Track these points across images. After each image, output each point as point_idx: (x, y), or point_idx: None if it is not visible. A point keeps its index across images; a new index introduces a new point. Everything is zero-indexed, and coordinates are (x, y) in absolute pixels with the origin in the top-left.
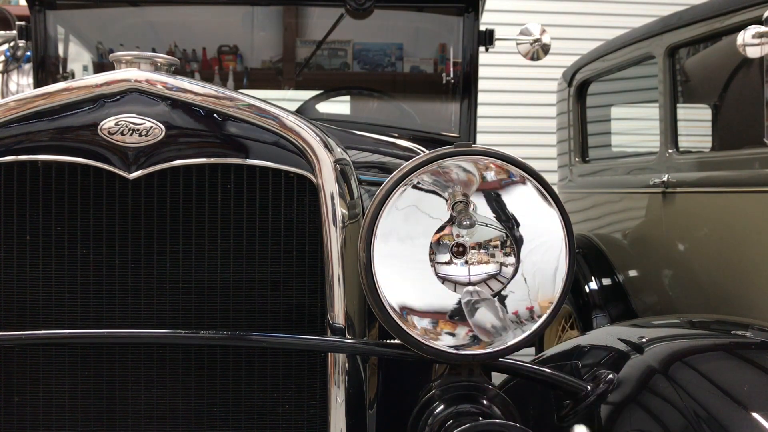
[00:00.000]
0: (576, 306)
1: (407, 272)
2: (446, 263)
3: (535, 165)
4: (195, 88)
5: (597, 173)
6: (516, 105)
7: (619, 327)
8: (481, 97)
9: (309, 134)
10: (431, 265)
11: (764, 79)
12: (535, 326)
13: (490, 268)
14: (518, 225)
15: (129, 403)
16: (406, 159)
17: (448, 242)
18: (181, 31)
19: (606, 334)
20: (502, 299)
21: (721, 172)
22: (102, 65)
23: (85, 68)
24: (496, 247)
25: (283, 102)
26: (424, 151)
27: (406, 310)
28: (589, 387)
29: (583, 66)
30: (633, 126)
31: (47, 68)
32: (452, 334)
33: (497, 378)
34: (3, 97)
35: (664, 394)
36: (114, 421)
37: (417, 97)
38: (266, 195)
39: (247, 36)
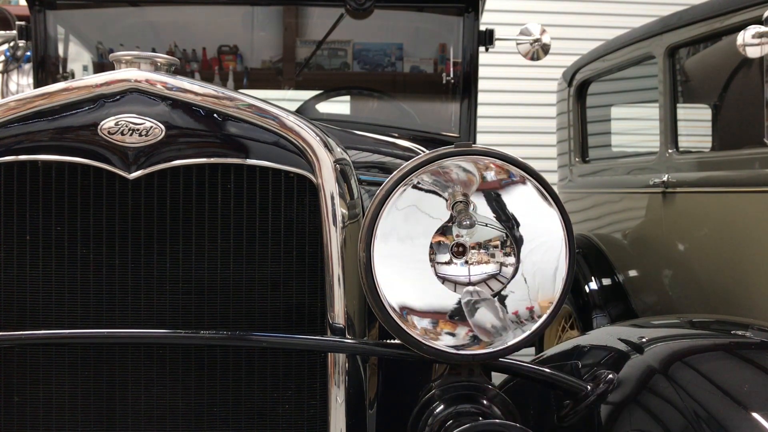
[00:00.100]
0: (576, 306)
1: (407, 272)
2: (446, 263)
3: (535, 165)
4: (195, 88)
5: (597, 173)
6: (516, 105)
7: (619, 327)
8: (481, 97)
9: (309, 134)
10: (431, 265)
11: (764, 79)
12: (535, 326)
13: (490, 268)
14: (518, 225)
15: (129, 403)
16: (406, 159)
17: (448, 242)
18: (181, 31)
19: (606, 334)
20: (502, 299)
21: (721, 172)
22: (102, 65)
23: (85, 68)
24: (496, 247)
25: (283, 102)
26: (424, 151)
27: (406, 310)
28: (589, 387)
29: (583, 66)
30: (633, 126)
31: (47, 68)
32: (452, 334)
33: (497, 378)
34: (3, 97)
35: (664, 394)
36: (114, 421)
37: (417, 97)
38: (266, 195)
39: (247, 36)
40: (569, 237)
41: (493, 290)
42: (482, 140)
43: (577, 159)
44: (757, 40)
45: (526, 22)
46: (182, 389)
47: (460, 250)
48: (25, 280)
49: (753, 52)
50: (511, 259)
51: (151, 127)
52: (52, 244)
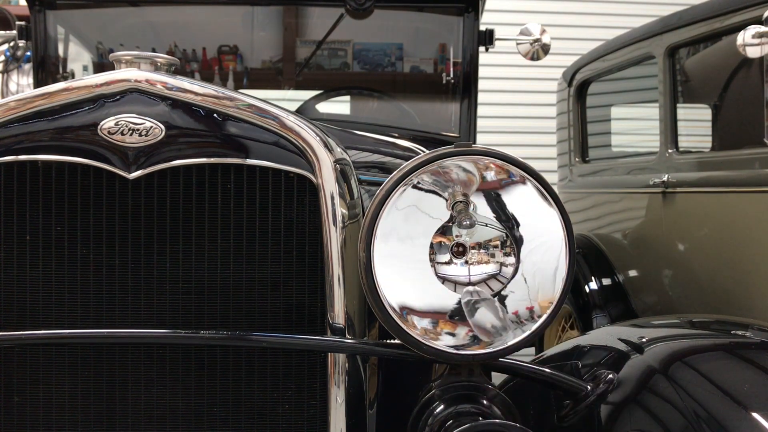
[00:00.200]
0: (576, 306)
1: (407, 272)
2: (446, 263)
3: (535, 165)
4: (195, 88)
5: (597, 173)
6: (516, 105)
7: (619, 327)
8: (481, 97)
9: (309, 134)
10: (431, 265)
11: (764, 79)
12: (535, 326)
13: (490, 268)
14: (518, 225)
15: (129, 403)
16: (406, 159)
17: (448, 242)
18: (181, 31)
19: (606, 334)
20: (502, 299)
21: (721, 172)
22: (102, 65)
23: (85, 68)
24: (496, 247)
25: (283, 102)
26: (424, 151)
27: (406, 310)
28: (589, 387)
29: (583, 66)
30: (633, 126)
31: (47, 68)
32: (452, 334)
33: (497, 378)
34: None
35: (664, 394)
36: (114, 421)
37: (417, 97)
38: (266, 195)
39: (247, 36)
40: (569, 237)
41: (493, 290)
42: (482, 140)
43: (577, 159)
44: (757, 40)
45: (526, 22)
46: (182, 389)
47: (460, 250)
48: (25, 280)
49: (753, 52)
50: (511, 259)
51: (151, 127)
52: (52, 244)
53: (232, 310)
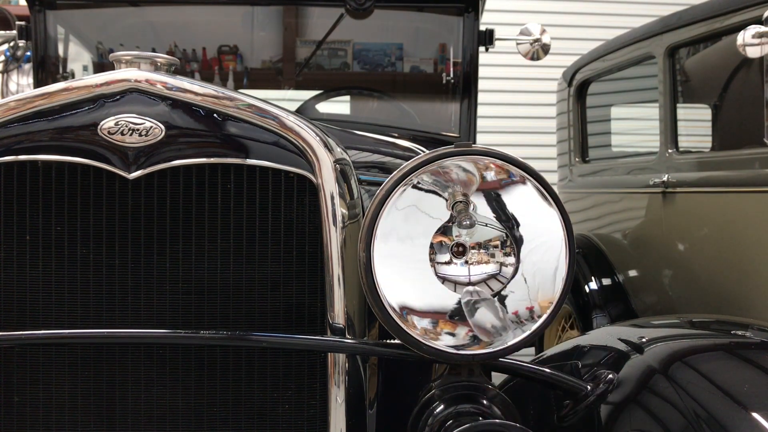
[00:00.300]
0: (576, 306)
1: (407, 272)
2: (446, 263)
3: (535, 165)
4: (195, 88)
5: (597, 173)
6: (516, 105)
7: (619, 327)
8: (481, 97)
9: (309, 134)
10: (431, 265)
11: (764, 79)
12: (535, 326)
13: (490, 268)
14: (518, 225)
15: (129, 403)
16: (406, 159)
17: (448, 242)
18: (181, 31)
19: (606, 334)
20: (502, 299)
21: (721, 172)
22: (102, 65)
23: (85, 68)
24: (496, 247)
25: (283, 102)
26: (424, 151)
27: (406, 310)
28: (589, 387)
29: (583, 66)
30: (633, 126)
31: (47, 68)
32: (452, 334)
33: (497, 378)
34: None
35: (664, 394)
36: (114, 421)
37: (417, 97)
38: (266, 195)
39: (247, 36)
40: (569, 237)
41: (493, 290)
42: (482, 140)
43: (577, 159)
44: (757, 40)
45: (526, 22)
46: (182, 389)
47: (460, 250)
48: (25, 280)
49: (753, 52)
50: (511, 259)
51: (151, 127)
52: (52, 244)
53: (232, 310)
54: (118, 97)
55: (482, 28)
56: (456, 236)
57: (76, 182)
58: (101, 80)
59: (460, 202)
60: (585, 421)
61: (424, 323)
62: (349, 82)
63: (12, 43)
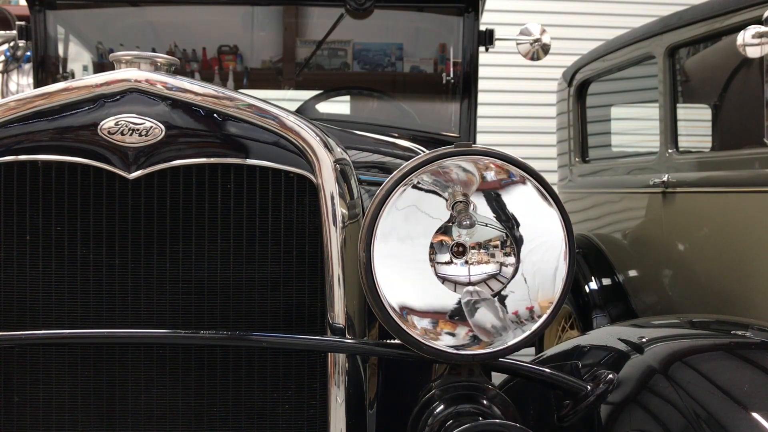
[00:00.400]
0: (576, 306)
1: (407, 272)
2: (446, 263)
3: (535, 165)
4: (195, 88)
5: (597, 173)
6: (516, 105)
7: (619, 327)
8: (481, 97)
9: (309, 134)
10: (431, 265)
11: (764, 79)
12: (535, 326)
13: (490, 268)
14: (518, 225)
15: (129, 403)
16: (406, 159)
17: (448, 242)
18: (181, 31)
19: (606, 334)
20: (502, 299)
21: (721, 172)
22: (102, 65)
23: (85, 68)
24: (496, 247)
25: (283, 102)
26: (424, 151)
27: (406, 310)
28: (589, 387)
29: (583, 66)
30: (633, 126)
31: (47, 68)
32: (452, 334)
33: (497, 378)
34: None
35: (664, 394)
36: (114, 421)
37: (417, 97)
38: (266, 195)
39: (247, 36)
40: (569, 237)
41: (493, 290)
42: (482, 140)
43: (577, 159)
44: (757, 40)
45: (526, 22)
46: (182, 389)
47: (460, 250)
48: (25, 280)
49: (753, 52)
50: (511, 259)
51: (151, 127)
52: (52, 244)
53: (232, 310)
54: (118, 97)
55: (482, 28)
56: (456, 236)
57: (76, 182)
58: (101, 80)
59: (460, 202)
60: (585, 421)
61: (424, 323)
62: (349, 82)
63: (12, 43)
